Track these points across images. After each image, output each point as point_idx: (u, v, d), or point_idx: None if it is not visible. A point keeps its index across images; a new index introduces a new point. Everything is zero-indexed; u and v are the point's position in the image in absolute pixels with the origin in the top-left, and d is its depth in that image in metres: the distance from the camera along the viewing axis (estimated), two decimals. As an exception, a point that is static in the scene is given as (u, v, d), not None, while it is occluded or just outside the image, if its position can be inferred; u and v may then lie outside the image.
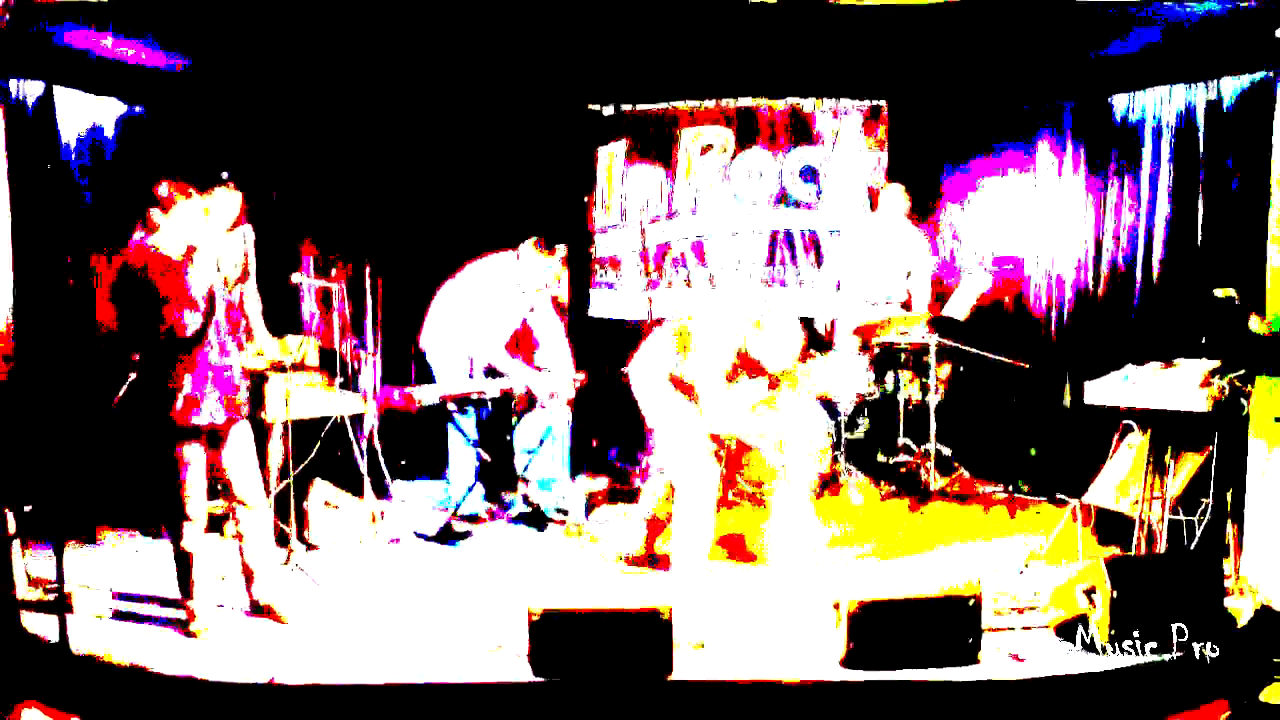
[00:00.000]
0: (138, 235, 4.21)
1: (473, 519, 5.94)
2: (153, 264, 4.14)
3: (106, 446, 5.61)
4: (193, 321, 4.17)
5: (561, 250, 6.13)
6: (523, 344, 6.13)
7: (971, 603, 3.93)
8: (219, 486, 4.42)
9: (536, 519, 5.97)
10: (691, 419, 4.89)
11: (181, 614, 4.36)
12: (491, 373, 5.96)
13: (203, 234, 4.24)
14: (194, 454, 4.25)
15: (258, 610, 4.47)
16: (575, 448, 6.29)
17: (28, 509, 4.56)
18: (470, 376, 5.92)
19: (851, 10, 5.05)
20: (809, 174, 7.43)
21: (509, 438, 6.09)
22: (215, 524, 4.59)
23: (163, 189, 4.20)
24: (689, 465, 4.87)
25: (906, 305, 6.78)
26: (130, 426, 4.82)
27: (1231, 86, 5.89)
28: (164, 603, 4.54)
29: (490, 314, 5.94)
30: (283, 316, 5.70)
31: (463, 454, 5.95)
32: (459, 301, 5.99)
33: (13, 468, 4.46)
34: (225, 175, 4.78)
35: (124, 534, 5.65)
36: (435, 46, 5.91)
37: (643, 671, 3.80)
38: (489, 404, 5.90)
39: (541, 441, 6.04)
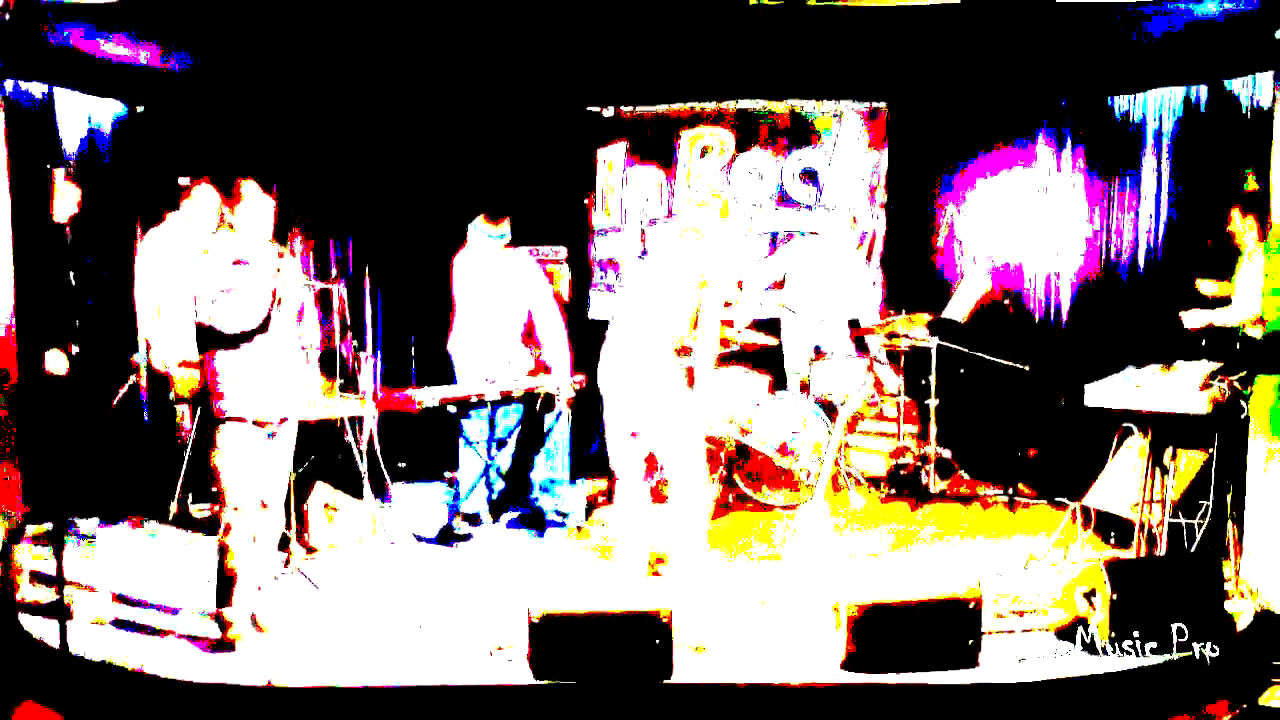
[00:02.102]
0: (212, 228, 4.25)
1: (473, 520, 5.93)
2: (223, 257, 4.19)
3: (107, 446, 5.62)
4: (253, 316, 4.19)
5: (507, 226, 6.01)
6: (525, 344, 6.13)
7: (972, 605, 3.92)
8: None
9: (537, 521, 5.97)
10: (692, 407, 4.79)
11: (176, 618, 4.35)
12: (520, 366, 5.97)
13: (267, 230, 4.30)
14: (247, 448, 4.24)
15: None
16: (575, 450, 6.29)
17: (28, 509, 4.56)
18: (490, 381, 5.88)
19: (852, 11, 5.05)
20: (809, 175, 7.44)
21: (509, 440, 6.08)
22: (213, 525, 4.55)
23: (242, 185, 4.28)
24: (692, 462, 4.81)
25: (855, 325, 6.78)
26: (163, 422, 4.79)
27: (1231, 87, 5.89)
28: (163, 605, 4.55)
29: (483, 304, 5.92)
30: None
31: (463, 456, 5.95)
32: (460, 301, 6.00)
33: (14, 469, 4.46)
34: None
35: (123, 533, 5.65)
36: (437, 49, 5.91)
37: (643, 674, 3.80)
38: (489, 406, 5.89)
39: (542, 443, 6.04)
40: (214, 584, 4.25)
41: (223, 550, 4.25)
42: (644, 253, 5.09)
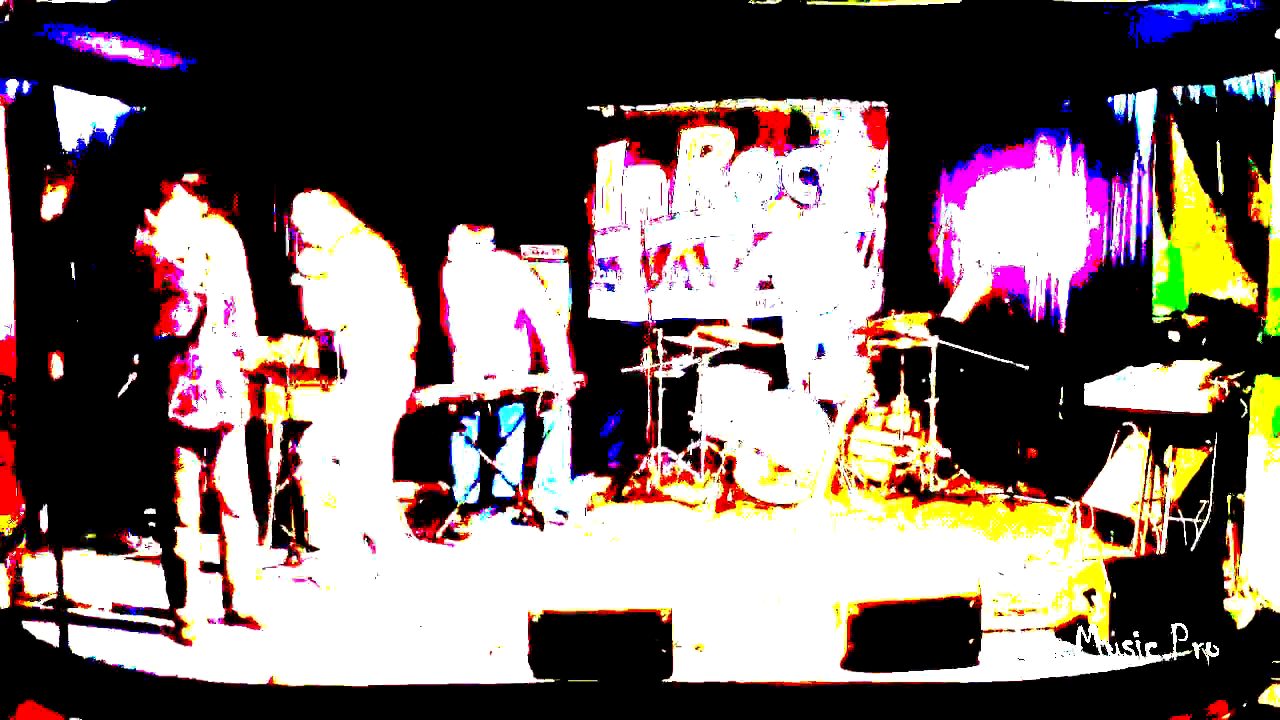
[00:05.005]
0: (139, 235, 4.21)
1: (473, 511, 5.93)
2: (148, 262, 4.14)
3: (105, 451, 5.62)
4: (185, 321, 4.14)
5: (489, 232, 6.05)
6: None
7: (971, 604, 3.93)
8: (206, 493, 4.37)
9: (536, 519, 5.97)
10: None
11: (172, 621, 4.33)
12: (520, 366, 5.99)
13: (195, 232, 4.22)
14: (188, 457, 4.23)
15: (236, 620, 4.41)
16: (575, 448, 6.29)
17: (28, 511, 4.56)
18: (488, 377, 5.88)
19: (851, 10, 5.05)
20: (809, 175, 7.44)
21: (509, 439, 6.08)
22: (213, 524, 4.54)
23: (159, 188, 4.21)
24: None
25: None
26: (127, 429, 4.78)
27: (1232, 87, 5.88)
28: (159, 610, 4.54)
29: (477, 310, 5.93)
30: (283, 317, 5.70)
31: (464, 455, 5.95)
32: (453, 310, 6.01)
33: (15, 474, 4.46)
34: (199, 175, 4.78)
35: (121, 536, 5.66)
36: (437, 48, 5.90)
37: (643, 673, 3.80)
38: (489, 405, 5.89)
39: (542, 442, 6.04)
40: (166, 585, 4.29)
41: (173, 561, 4.24)
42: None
